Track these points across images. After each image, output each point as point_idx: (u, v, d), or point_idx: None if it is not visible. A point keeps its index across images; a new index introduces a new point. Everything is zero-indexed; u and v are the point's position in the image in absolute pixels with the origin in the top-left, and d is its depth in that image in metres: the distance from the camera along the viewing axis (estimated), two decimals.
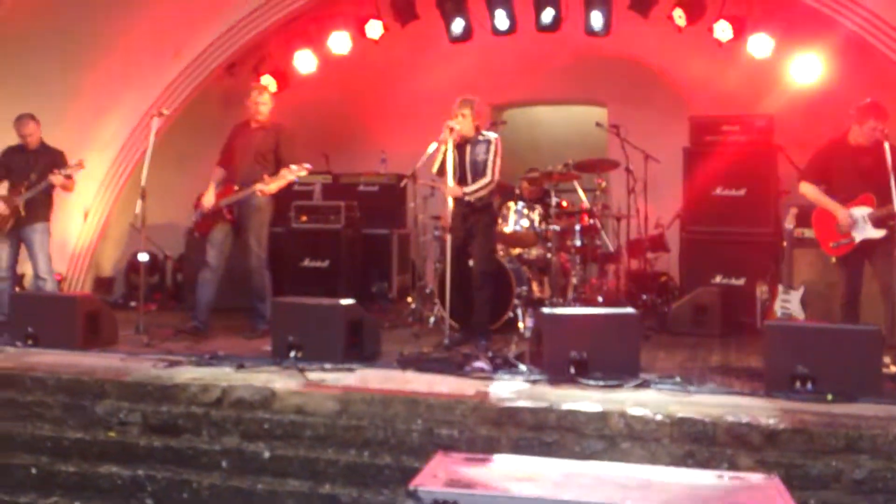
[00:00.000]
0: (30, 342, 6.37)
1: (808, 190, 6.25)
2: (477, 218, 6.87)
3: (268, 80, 9.68)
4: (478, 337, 6.75)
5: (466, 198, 6.76)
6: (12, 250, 7.52)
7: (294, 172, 6.96)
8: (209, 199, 7.16)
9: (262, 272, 7.17)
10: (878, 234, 5.93)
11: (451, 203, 6.67)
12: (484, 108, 6.97)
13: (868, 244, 5.99)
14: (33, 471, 4.90)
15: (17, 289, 7.77)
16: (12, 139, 7.59)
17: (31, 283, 7.70)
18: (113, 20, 8.55)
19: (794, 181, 6.93)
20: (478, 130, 6.89)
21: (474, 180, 6.79)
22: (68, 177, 7.41)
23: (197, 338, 6.92)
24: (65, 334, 6.35)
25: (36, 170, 7.38)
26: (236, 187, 7.09)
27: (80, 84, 8.71)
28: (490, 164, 6.80)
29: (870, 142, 5.97)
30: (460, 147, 6.80)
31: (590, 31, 8.69)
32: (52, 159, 7.46)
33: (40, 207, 7.46)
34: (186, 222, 8.42)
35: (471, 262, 6.99)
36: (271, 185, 7.00)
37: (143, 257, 7.32)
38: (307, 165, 7.00)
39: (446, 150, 6.68)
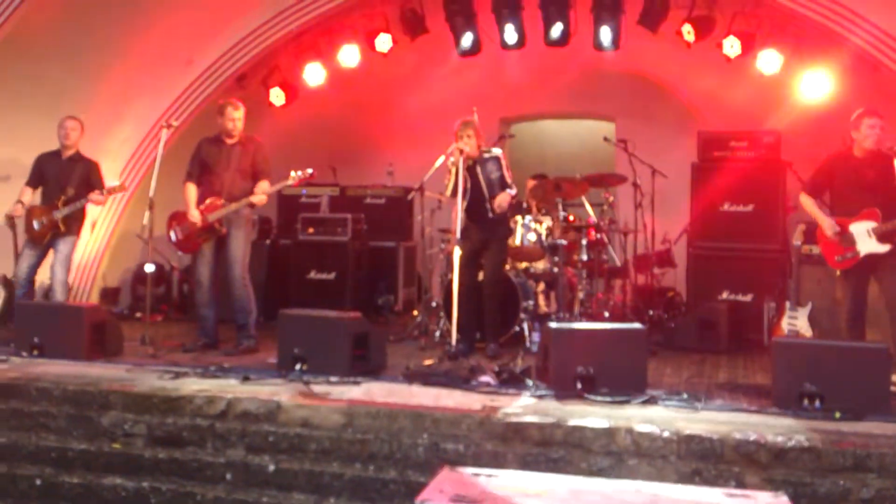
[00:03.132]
0: (35, 352, 6.37)
1: (806, 202, 6.29)
2: (495, 229, 7.08)
3: (277, 93, 9.74)
4: (488, 342, 6.98)
5: (490, 214, 6.96)
6: (36, 260, 7.52)
7: (294, 178, 6.98)
8: (196, 216, 6.95)
9: (247, 285, 7.03)
10: (883, 248, 5.93)
11: (461, 215, 6.73)
12: (480, 126, 7.07)
13: (873, 259, 5.99)
14: (38, 482, 4.89)
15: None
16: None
17: (41, 290, 7.73)
18: (125, 31, 8.58)
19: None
20: (480, 148, 7.03)
21: (492, 196, 6.96)
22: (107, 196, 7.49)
23: (204, 350, 6.91)
24: (70, 345, 6.35)
25: (72, 182, 7.39)
26: (222, 201, 6.93)
27: (92, 94, 8.73)
28: (508, 177, 7.06)
29: (873, 144, 6.00)
30: (471, 168, 6.95)
31: (598, 47, 8.70)
32: (87, 171, 7.49)
33: (74, 221, 7.48)
34: None
35: (480, 275, 7.11)
36: (264, 195, 7.00)
37: (150, 268, 7.24)
38: (309, 171, 6.98)
39: (457, 172, 6.80)
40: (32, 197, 7.54)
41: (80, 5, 8.15)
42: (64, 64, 8.37)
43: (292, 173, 6.97)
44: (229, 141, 7.09)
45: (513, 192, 7.03)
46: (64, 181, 7.41)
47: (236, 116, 7.04)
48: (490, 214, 6.99)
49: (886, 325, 6.11)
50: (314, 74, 9.60)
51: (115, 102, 9.02)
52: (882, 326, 6.25)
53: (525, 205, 8.14)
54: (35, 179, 7.56)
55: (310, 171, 6.99)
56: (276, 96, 9.79)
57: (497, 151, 7.19)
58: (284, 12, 9.06)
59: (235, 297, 6.99)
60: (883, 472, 4.28)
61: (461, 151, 6.78)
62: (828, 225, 6.08)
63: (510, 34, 8.84)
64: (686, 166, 8.50)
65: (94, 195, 7.36)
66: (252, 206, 7.06)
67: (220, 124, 7.12)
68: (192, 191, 7.07)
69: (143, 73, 9.07)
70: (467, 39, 8.97)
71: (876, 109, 6.11)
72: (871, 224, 5.96)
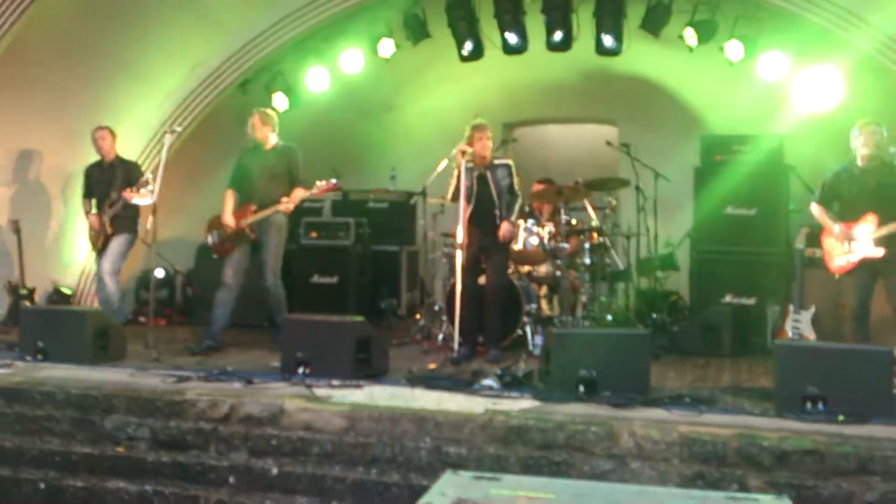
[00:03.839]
0: (39, 357, 6.38)
1: (815, 210, 6.58)
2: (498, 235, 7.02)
3: (280, 98, 9.75)
4: (489, 348, 6.91)
5: (497, 220, 6.96)
6: None
7: (319, 188, 7.09)
8: (229, 221, 7.16)
9: (279, 288, 7.22)
10: (877, 252, 6.11)
11: (466, 219, 6.74)
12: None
13: (876, 262, 6.12)
14: (42, 485, 4.91)
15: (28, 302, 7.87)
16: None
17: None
18: (128, 36, 8.61)
19: (805, 201, 7.00)
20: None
21: (500, 204, 7.00)
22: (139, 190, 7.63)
23: (209, 354, 6.93)
24: (74, 349, 6.36)
25: (115, 186, 7.65)
26: (254, 207, 7.13)
27: (95, 99, 8.76)
28: (516, 185, 7.09)
29: (874, 148, 6.20)
30: (481, 175, 6.96)
31: (601, 52, 8.70)
32: (127, 172, 7.73)
33: (122, 221, 7.69)
34: (197, 238, 8.45)
35: (481, 280, 7.09)
36: (292, 203, 7.12)
37: (160, 273, 7.32)
38: (333, 180, 7.09)
39: (460, 176, 6.76)
40: (92, 206, 7.82)
41: (83, 12, 8.17)
42: (67, 70, 8.39)
43: (317, 182, 7.08)
44: (265, 148, 7.27)
45: (520, 201, 7.09)
46: (108, 186, 7.68)
47: (249, 123, 7.27)
48: (496, 221, 6.98)
49: (885, 331, 6.16)
50: (317, 79, 9.61)
51: (118, 108, 9.03)
52: (882, 333, 6.29)
53: (528, 209, 8.15)
54: (88, 190, 7.90)
55: (334, 180, 7.11)
56: (279, 101, 9.80)
57: (507, 160, 7.22)
58: (287, 17, 9.08)
59: (274, 299, 7.22)
60: (887, 475, 4.27)
61: (463, 153, 6.78)
62: (836, 230, 6.32)
63: (512, 39, 8.84)
64: (689, 170, 8.48)
65: (128, 192, 7.49)
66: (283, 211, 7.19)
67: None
68: (229, 197, 7.27)
69: (146, 79, 9.10)
70: (469, 44, 8.98)
71: (872, 121, 6.27)
72: (868, 228, 6.16)
